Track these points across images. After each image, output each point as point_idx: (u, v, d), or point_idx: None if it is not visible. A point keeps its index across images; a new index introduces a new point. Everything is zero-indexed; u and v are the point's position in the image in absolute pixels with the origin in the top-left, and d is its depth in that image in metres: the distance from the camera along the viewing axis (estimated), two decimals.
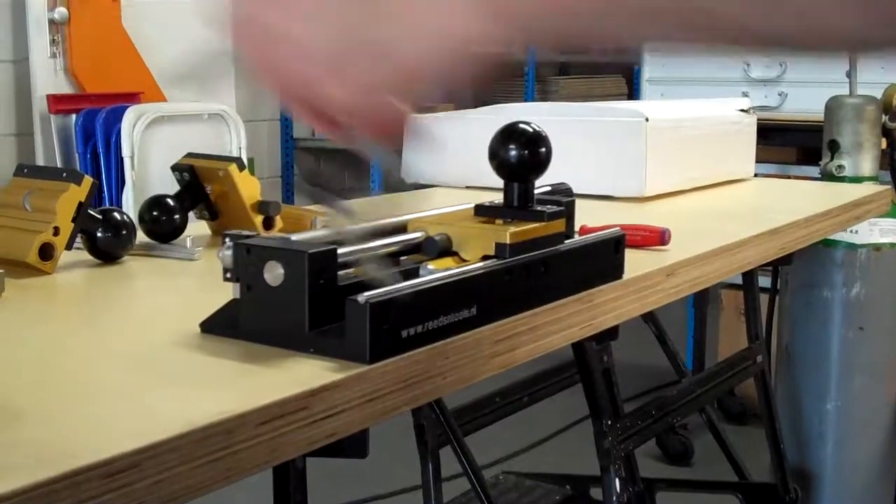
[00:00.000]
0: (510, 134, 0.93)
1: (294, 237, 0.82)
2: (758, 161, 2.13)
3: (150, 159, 3.38)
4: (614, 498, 1.61)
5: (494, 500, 1.71)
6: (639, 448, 1.89)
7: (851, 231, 2.30)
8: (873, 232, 2.34)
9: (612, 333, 1.22)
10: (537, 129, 0.94)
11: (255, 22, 0.53)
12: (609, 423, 1.64)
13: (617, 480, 1.62)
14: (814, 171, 2.70)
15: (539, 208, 0.95)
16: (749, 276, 2.17)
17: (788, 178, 3.03)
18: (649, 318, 2.21)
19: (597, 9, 0.46)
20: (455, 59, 0.49)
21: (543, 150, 0.93)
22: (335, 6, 0.50)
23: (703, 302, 3.55)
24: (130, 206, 3.22)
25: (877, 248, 2.36)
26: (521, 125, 0.94)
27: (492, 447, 3.05)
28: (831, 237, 2.28)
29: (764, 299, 2.43)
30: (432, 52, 0.49)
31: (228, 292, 0.82)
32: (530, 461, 3.17)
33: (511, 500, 2.25)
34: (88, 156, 3.44)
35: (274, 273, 0.78)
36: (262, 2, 0.53)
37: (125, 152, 3.35)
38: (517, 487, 2.33)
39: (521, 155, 0.92)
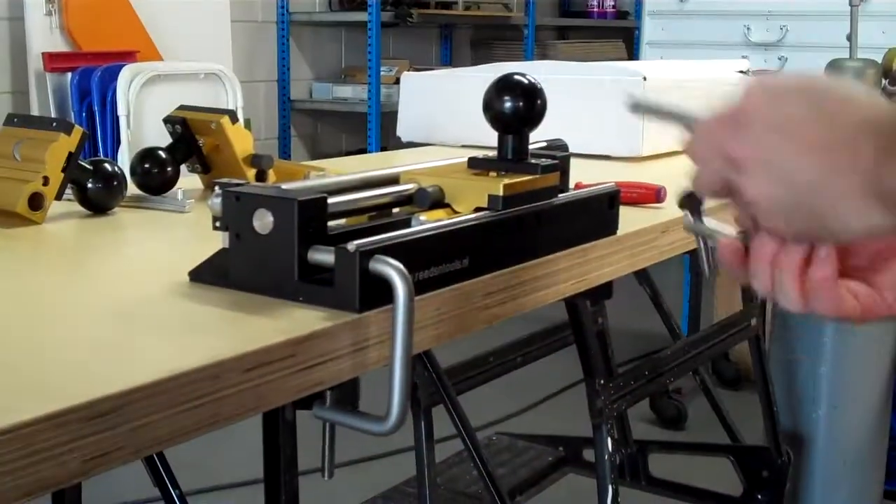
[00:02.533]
0: (505, 85, 0.92)
1: (284, 186, 0.81)
2: None
3: (145, 118, 3.36)
4: (606, 457, 1.61)
5: (487, 461, 1.71)
6: (633, 412, 1.90)
7: None
8: None
9: (605, 291, 1.22)
10: (532, 80, 0.93)
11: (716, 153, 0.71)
12: (602, 382, 1.64)
13: (609, 440, 1.62)
14: None
15: (533, 161, 0.94)
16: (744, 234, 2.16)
17: None
18: (644, 279, 2.21)
19: None
20: (874, 237, 0.69)
21: (538, 101, 0.92)
22: (787, 206, 0.67)
23: (699, 267, 3.54)
24: (126, 164, 3.20)
25: None
26: (516, 76, 0.93)
27: (485, 409, 3.05)
28: None
29: None
30: (861, 240, 0.70)
31: (219, 244, 0.81)
32: (523, 423, 3.18)
33: (504, 460, 2.26)
34: (84, 114, 3.42)
35: (263, 221, 0.77)
36: (727, 147, 0.70)
37: (121, 111, 3.33)
38: (510, 448, 2.33)
39: (515, 106, 0.92)
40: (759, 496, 2.25)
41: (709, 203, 0.75)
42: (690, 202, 0.78)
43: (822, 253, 0.72)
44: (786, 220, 0.68)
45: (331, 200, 0.80)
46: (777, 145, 0.68)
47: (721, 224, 0.78)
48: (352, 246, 0.73)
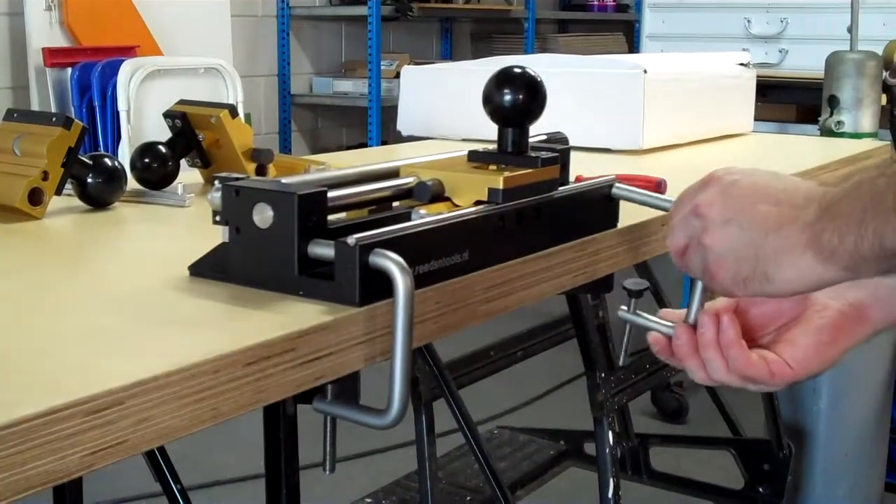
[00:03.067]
0: (505, 78, 0.92)
1: (284, 180, 0.81)
2: (756, 119, 2.12)
3: (145, 113, 3.36)
4: (607, 451, 1.61)
5: (488, 455, 1.71)
6: (634, 406, 1.89)
7: None
8: None
9: (606, 284, 1.21)
10: (532, 73, 0.93)
11: (692, 230, 0.85)
12: (603, 375, 1.64)
13: (610, 433, 1.62)
14: (813, 129, 2.68)
15: (533, 154, 0.94)
16: None
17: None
18: (645, 272, 2.20)
19: None
20: (809, 290, 0.83)
21: (538, 94, 0.92)
22: (738, 255, 0.81)
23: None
24: (125, 159, 3.19)
25: None
26: (516, 69, 0.93)
27: (486, 403, 3.05)
28: None
29: None
30: (797, 291, 0.81)
31: (219, 239, 0.81)
32: (524, 417, 3.18)
33: (505, 454, 2.26)
34: (84, 109, 3.42)
35: (263, 215, 0.77)
36: (699, 225, 0.83)
37: (121, 106, 3.33)
38: (511, 442, 2.33)
39: (515, 100, 0.91)
40: (761, 489, 2.25)
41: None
42: (631, 296, 0.95)
43: (724, 323, 0.87)
44: (735, 264, 0.81)
45: (331, 194, 0.80)
46: (736, 201, 0.82)
47: (654, 319, 0.92)
48: (352, 240, 0.73)
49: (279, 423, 0.99)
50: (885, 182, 0.73)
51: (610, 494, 1.66)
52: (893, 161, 0.76)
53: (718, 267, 0.83)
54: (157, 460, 1.32)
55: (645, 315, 0.93)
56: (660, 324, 0.92)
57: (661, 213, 1.15)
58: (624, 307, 0.94)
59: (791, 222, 0.79)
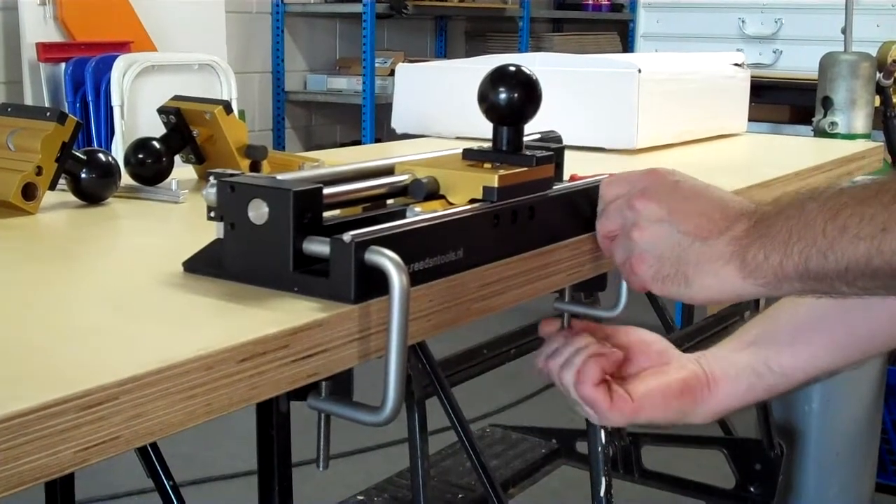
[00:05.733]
0: (500, 76, 0.92)
1: (280, 176, 0.81)
2: (750, 120, 2.12)
3: (139, 109, 3.36)
4: (599, 450, 1.61)
5: (481, 453, 1.71)
6: None
7: None
8: None
9: (599, 283, 1.21)
10: (528, 71, 0.93)
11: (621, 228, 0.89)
12: None
13: (602, 432, 1.62)
14: (806, 130, 2.69)
15: (528, 153, 0.94)
16: None
17: None
18: None
19: (832, 277, 0.74)
20: (724, 300, 0.84)
21: (534, 93, 0.92)
22: (662, 254, 0.84)
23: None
24: (119, 154, 3.19)
25: None
26: (511, 68, 0.93)
27: (479, 401, 3.06)
28: None
29: None
30: (712, 299, 0.83)
31: (213, 235, 0.81)
32: (517, 415, 3.18)
33: (497, 452, 2.26)
34: (78, 104, 3.42)
35: (259, 211, 0.77)
36: (629, 225, 0.87)
37: (115, 101, 3.32)
38: (504, 440, 2.33)
39: (510, 98, 0.91)
40: (752, 489, 2.26)
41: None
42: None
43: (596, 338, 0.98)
44: (657, 262, 0.84)
45: (326, 191, 0.79)
46: (674, 203, 0.84)
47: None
48: (347, 236, 0.73)
49: (272, 419, 0.99)
50: (816, 206, 0.75)
51: (602, 493, 1.66)
52: (828, 186, 0.78)
53: (641, 261, 0.85)
54: (150, 456, 1.31)
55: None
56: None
57: None
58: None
59: (720, 233, 0.81)
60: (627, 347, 1.01)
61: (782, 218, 0.78)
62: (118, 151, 3.26)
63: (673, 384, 0.98)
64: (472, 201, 0.89)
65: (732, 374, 1.01)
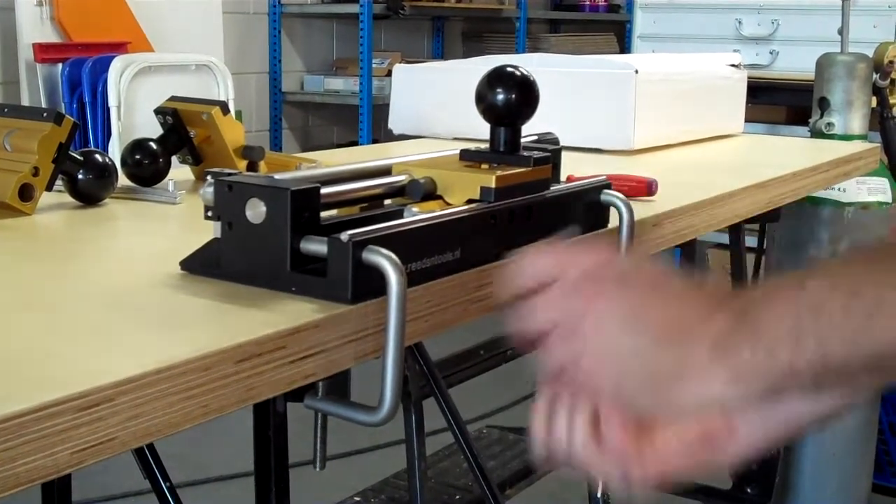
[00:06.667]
0: (498, 77, 0.92)
1: (277, 176, 0.81)
2: (747, 121, 2.12)
3: (136, 109, 3.35)
4: None
5: (478, 454, 1.71)
6: None
7: (839, 189, 2.30)
8: (861, 191, 2.33)
9: None
10: (525, 72, 0.93)
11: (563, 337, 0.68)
12: None
13: None
14: (803, 131, 2.69)
15: (525, 154, 0.94)
16: (735, 234, 2.17)
17: None
18: None
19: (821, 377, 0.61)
20: (706, 411, 0.67)
21: (531, 94, 0.92)
22: (624, 362, 0.66)
23: (689, 261, 3.54)
24: (116, 155, 3.19)
25: (864, 206, 2.35)
26: (509, 69, 0.93)
27: (476, 402, 3.06)
28: (818, 195, 2.27)
29: (750, 259, 2.43)
30: (689, 414, 0.68)
31: (210, 236, 0.81)
32: (514, 416, 3.18)
33: (494, 453, 2.26)
34: (75, 105, 3.41)
35: (256, 211, 0.76)
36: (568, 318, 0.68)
37: (111, 102, 3.32)
38: (501, 441, 2.33)
39: (508, 99, 0.91)
40: (749, 489, 2.26)
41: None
42: None
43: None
44: (618, 372, 0.66)
45: (323, 191, 0.79)
46: (631, 296, 0.67)
47: None
48: (345, 236, 0.73)
49: (269, 420, 0.99)
50: (822, 284, 0.61)
51: (599, 494, 1.66)
52: (824, 261, 0.66)
53: (597, 368, 0.67)
54: (147, 457, 1.31)
55: None
56: None
57: (652, 213, 1.16)
58: None
59: (697, 332, 0.64)
60: None
61: (779, 302, 0.62)
62: (115, 152, 3.26)
63: (688, 428, 0.78)
64: (470, 202, 0.89)
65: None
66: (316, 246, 0.75)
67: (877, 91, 2.44)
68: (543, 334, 0.69)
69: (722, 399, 0.63)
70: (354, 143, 4.53)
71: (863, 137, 2.38)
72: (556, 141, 1.10)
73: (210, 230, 0.81)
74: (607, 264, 0.69)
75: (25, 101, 3.44)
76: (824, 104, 2.37)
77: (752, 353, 0.61)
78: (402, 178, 0.90)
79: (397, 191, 0.89)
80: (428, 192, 0.89)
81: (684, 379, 0.64)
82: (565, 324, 0.68)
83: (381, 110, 4.24)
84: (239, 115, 4.09)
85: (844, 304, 0.58)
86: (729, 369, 0.62)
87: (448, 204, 0.89)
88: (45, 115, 1.10)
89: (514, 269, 0.71)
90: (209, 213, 0.80)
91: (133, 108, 3.34)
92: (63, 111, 3.38)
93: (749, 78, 2.13)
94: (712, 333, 0.63)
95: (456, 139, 1.80)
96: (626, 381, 0.66)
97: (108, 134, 3.35)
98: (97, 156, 1.13)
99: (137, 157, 1.21)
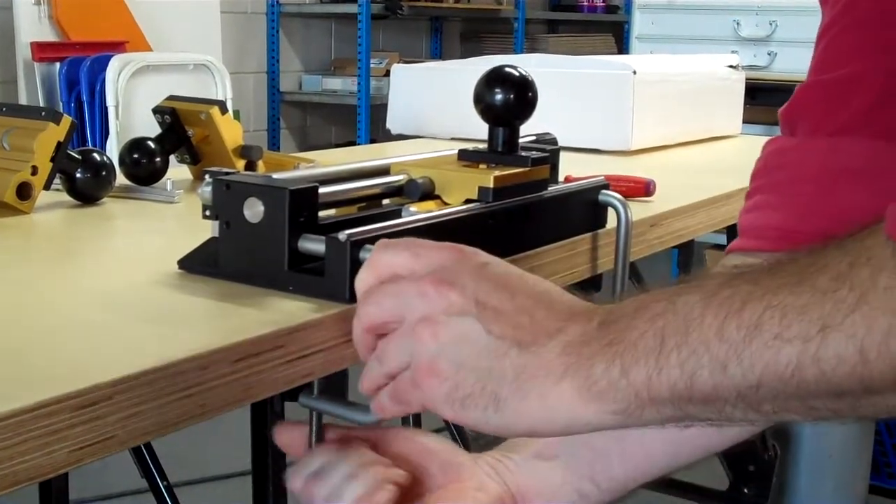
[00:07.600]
0: (496, 77, 0.92)
1: (276, 175, 0.81)
2: (744, 122, 2.12)
3: (134, 109, 3.35)
4: None
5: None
6: None
7: None
8: None
9: (594, 284, 1.22)
10: (523, 73, 0.93)
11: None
12: None
13: None
14: None
15: (523, 154, 0.94)
16: (733, 235, 2.16)
17: None
18: (633, 272, 2.20)
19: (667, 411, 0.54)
20: (552, 434, 0.59)
21: (529, 94, 0.92)
22: (464, 363, 0.59)
23: (687, 262, 3.55)
24: (114, 154, 3.18)
25: None
26: (508, 69, 0.93)
27: None
28: None
29: None
30: (533, 430, 0.59)
31: (208, 235, 0.81)
32: None
33: None
34: (73, 104, 3.41)
35: (254, 210, 0.77)
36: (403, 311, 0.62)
37: (109, 101, 3.32)
38: (497, 441, 2.33)
39: (506, 99, 0.91)
40: (746, 490, 2.26)
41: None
42: None
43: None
44: (455, 374, 0.59)
45: (322, 190, 0.79)
46: (479, 292, 0.60)
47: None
48: (343, 235, 0.73)
49: (267, 420, 0.99)
50: (698, 300, 0.53)
51: None
52: (706, 271, 0.60)
53: (431, 372, 0.59)
54: (144, 456, 1.31)
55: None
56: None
57: (650, 214, 1.16)
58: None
59: (549, 337, 0.57)
60: (406, 459, 0.75)
61: (645, 317, 0.54)
62: (113, 151, 3.25)
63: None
64: (468, 202, 0.89)
65: (547, 493, 0.78)
66: (314, 245, 0.75)
67: None
68: (384, 326, 0.63)
69: (568, 416, 0.56)
70: (352, 143, 4.53)
71: None
72: (554, 141, 1.10)
73: (208, 229, 0.81)
74: (463, 259, 0.63)
75: (23, 100, 3.43)
76: None
77: (605, 368, 0.55)
78: (400, 177, 0.90)
79: (395, 190, 0.89)
80: (426, 192, 0.89)
81: (527, 389, 0.57)
82: (401, 323, 0.61)
83: (379, 110, 4.23)
84: (237, 114, 4.08)
85: (719, 325, 0.51)
86: (580, 384, 0.55)
87: (446, 204, 0.89)
88: (43, 114, 1.10)
89: (369, 262, 0.65)
90: (207, 213, 0.80)
91: (131, 108, 3.34)
92: (61, 110, 3.39)
93: (747, 79, 2.13)
94: (565, 340, 0.57)
95: (454, 139, 1.81)
96: (463, 383, 0.59)
97: (106, 133, 3.35)
98: (95, 155, 1.13)
99: (135, 156, 1.21)
